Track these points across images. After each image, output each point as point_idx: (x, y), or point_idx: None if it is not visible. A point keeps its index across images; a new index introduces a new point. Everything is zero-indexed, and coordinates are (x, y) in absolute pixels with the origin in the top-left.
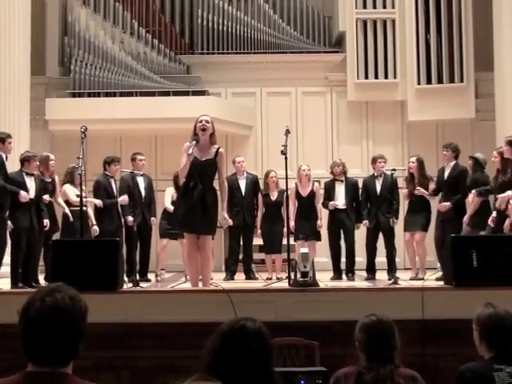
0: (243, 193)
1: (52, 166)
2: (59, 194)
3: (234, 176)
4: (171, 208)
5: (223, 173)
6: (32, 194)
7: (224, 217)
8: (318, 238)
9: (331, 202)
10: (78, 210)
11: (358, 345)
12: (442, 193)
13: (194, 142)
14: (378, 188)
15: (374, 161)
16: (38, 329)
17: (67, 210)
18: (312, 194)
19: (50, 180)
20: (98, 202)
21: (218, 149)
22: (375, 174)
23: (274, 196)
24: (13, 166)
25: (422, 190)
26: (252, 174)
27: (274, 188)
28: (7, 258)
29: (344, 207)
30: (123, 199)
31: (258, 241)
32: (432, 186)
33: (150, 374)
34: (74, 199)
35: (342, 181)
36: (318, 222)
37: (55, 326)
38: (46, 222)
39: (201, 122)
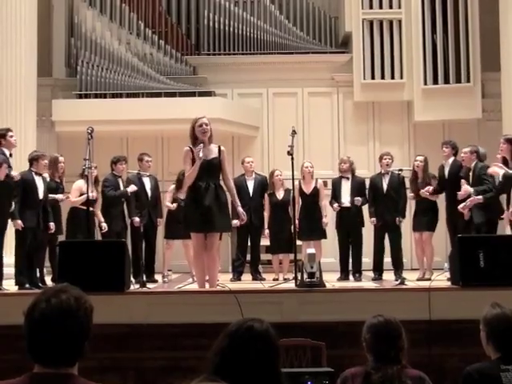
0: (251, 193)
1: (61, 168)
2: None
3: (243, 177)
4: (171, 206)
5: (227, 171)
6: (41, 194)
7: (241, 211)
8: (323, 237)
9: (335, 205)
10: (85, 210)
11: (366, 345)
12: (446, 191)
13: (202, 145)
14: (385, 186)
15: (380, 158)
16: (43, 330)
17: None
18: (315, 192)
19: (58, 181)
20: (94, 195)
21: (220, 147)
22: (382, 172)
23: (280, 195)
24: (20, 167)
25: (426, 192)
26: (261, 175)
27: (280, 187)
28: (11, 259)
29: (350, 205)
30: (132, 187)
31: (265, 241)
32: (434, 184)
33: (156, 374)
34: (74, 199)
35: (348, 178)
36: (324, 219)
37: (60, 326)
38: (52, 225)
39: (201, 125)
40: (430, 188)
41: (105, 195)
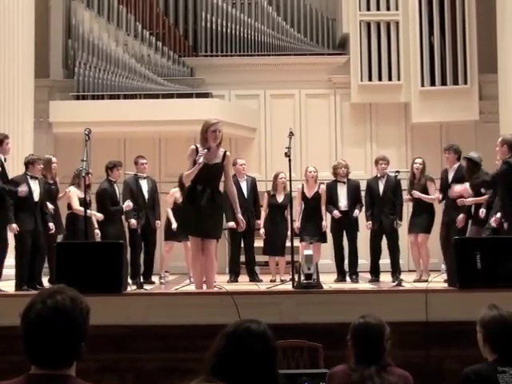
0: (245, 195)
1: (54, 169)
2: (64, 196)
3: (235, 178)
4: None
5: (230, 176)
6: (36, 197)
7: (240, 219)
8: (324, 240)
9: (335, 212)
10: (82, 213)
11: (349, 346)
12: (446, 195)
13: (206, 150)
14: (381, 188)
15: (376, 162)
16: (39, 330)
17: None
18: (317, 196)
19: (52, 182)
20: (100, 216)
21: (225, 152)
22: (378, 175)
23: (280, 198)
24: (17, 169)
25: (418, 193)
26: (251, 177)
27: (282, 190)
28: (11, 261)
29: (346, 209)
30: (127, 205)
31: (261, 243)
32: (432, 188)
33: (153, 376)
34: (76, 207)
35: (344, 182)
36: (323, 223)
37: (55, 327)
38: (52, 225)
39: (214, 131)
40: (440, 196)
41: (102, 208)
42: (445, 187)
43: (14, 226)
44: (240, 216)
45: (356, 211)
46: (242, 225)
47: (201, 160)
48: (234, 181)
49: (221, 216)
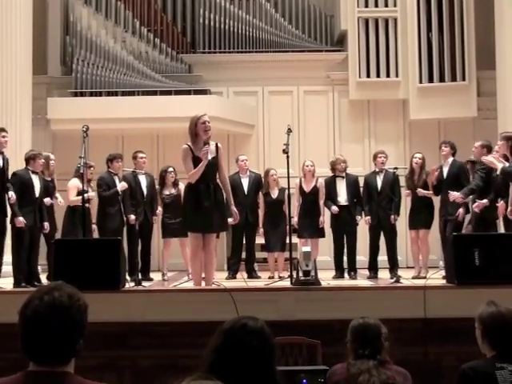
0: (246, 191)
1: (52, 166)
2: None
3: (237, 175)
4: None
5: (224, 167)
6: (37, 192)
7: (234, 211)
8: (322, 235)
9: (333, 207)
10: (81, 208)
11: (348, 345)
12: (443, 190)
13: (207, 146)
14: (379, 184)
15: (375, 157)
16: (36, 327)
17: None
18: (315, 190)
19: (49, 179)
20: (92, 195)
21: (217, 144)
22: (376, 170)
23: (274, 194)
24: (15, 166)
25: (422, 191)
26: (255, 173)
27: (275, 186)
28: (9, 257)
29: (346, 203)
30: (122, 185)
31: (260, 239)
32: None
33: (151, 373)
34: (72, 198)
35: (342, 177)
36: (321, 218)
37: (52, 323)
38: (46, 225)
39: (204, 123)
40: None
41: (99, 195)
42: (441, 182)
43: (21, 219)
44: (233, 208)
45: (358, 217)
46: (236, 217)
47: (209, 157)
48: (235, 177)
49: (225, 209)
